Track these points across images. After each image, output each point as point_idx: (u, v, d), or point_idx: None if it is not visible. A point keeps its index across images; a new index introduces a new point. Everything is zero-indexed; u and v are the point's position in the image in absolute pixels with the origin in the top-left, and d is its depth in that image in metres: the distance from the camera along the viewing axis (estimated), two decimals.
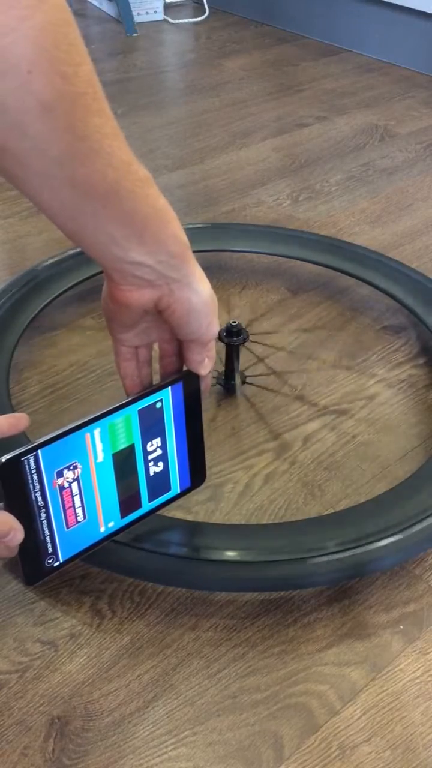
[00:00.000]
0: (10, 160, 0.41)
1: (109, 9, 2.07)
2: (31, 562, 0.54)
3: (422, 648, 0.61)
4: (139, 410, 0.56)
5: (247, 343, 0.82)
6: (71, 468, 0.53)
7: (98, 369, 0.88)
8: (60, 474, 0.52)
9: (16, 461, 0.49)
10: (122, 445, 0.56)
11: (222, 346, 0.81)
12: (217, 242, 1.03)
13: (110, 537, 0.59)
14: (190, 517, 0.71)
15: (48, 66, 0.38)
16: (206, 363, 0.57)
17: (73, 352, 0.91)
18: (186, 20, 2.06)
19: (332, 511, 0.71)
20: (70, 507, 0.54)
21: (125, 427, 0.56)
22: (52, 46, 0.38)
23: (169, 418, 0.59)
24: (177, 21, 2.05)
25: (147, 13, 2.04)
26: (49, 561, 0.55)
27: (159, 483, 0.61)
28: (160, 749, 0.55)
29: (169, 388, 0.58)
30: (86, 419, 0.53)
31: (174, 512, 0.69)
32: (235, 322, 0.80)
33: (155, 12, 2.05)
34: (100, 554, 0.61)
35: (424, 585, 0.66)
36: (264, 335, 0.93)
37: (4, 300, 0.89)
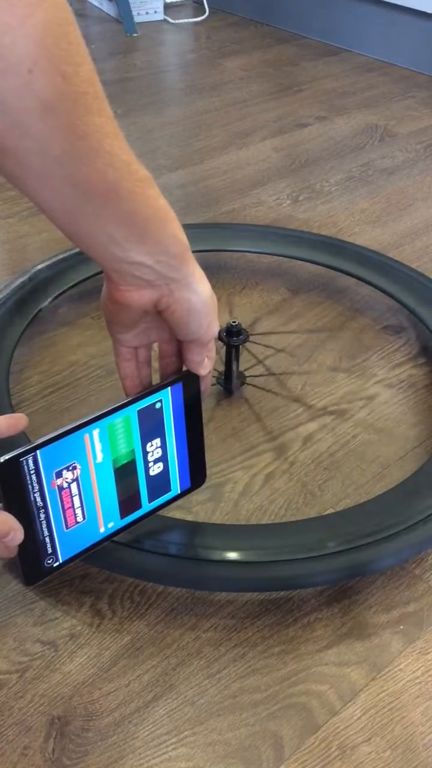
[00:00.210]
0: (10, 159, 0.41)
1: (109, 9, 2.07)
2: (31, 563, 0.54)
3: (422, 648, 0.61)
4: (138, 411, 0.56)
5: (247, 343, 0.82)
6: (70, 468, 0.53)
7: (98, 369, 0.88)
8: (59, 474, 0.52)
9: (15, 461, 0.49)
10: (121, 445, 0.56)
11: (222, 346, 0.81)
12: (217, 242, 1.03)
13: (110, 537, 0.59)
14: (190, 517, 0.71)
15: (49, 65, 0.38)
16: (206, 363, 0.57)
17: (73, 352, 0.91)
18: (186, 20, 2.06)
19: (332, 511, 0.71)
20: (69, 507, 0.54)
21: (125, 427, 0.56)
22: (53, 45, 0.38)
23: (169, 419, 0.59)
24: (177, 21, 2.05)
25: (147, 13, 2.04)
26: (49, 561, 0.55)
27: (159, 483, 0.61)
28: (161, 749, 0.55)
29: (169, 388, 0.58)
30: (85, 420, 0.53)
31: (174, 512, 0.69)
32: (235, 322, 0.80)
33: (155, 12, 2.05)
34: (100, 554, 0.61)
35: (424, 585, 0.66)
36: (264, 335, 0.93)
37: (4, 300, 0.89)
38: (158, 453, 0.59)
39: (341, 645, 0.61)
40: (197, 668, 0.60)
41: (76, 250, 0.95)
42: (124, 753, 0.54)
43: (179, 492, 0.63)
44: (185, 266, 0.50)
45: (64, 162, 0.41)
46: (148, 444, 0.58)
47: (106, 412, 0.54)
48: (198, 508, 0.72)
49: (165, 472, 0.61)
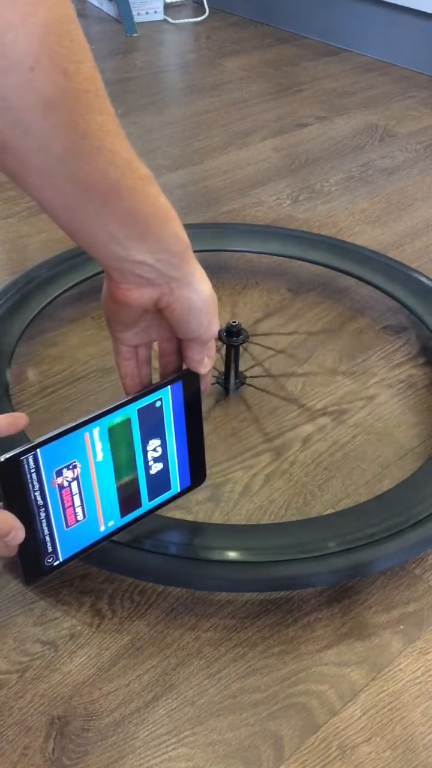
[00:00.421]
0: (11, 157, 0.41)
1: (109, 9, 2.07)
2: (31, 562, 0.54)
3: (422, 648, 0.61)
4: (138, 409, 0.56)
5: (247, 344, 0.82)
6: (70, 467, 0.53)
7: (98, 369, 0.88)
8: (59, 473, 0.52)
9: (16, 460, 0.49)
10: (122, 443, 0.56)
11: (222, 346, 0.81)
12: (217, 242, 1.03)
13: (110, 536, 0.59)
14: (190, 517, 0.71)
15: (50, 63, 0.38)
16: (206, 362, 0.57)
17: (73, 352, 0.91)
18: (186, 20, 2.06)
19: (332, 511, 0.71)
20: (69, 506, 0.54)
21: (125, 426, 0.56)
22: (55, 42, 0.38)
23: (169, 417, 0.59)
24: (177, 21, 2.05)
25: (147, 13, 2.04)
26: (49, 560, 0.55)
27: (159, 482, 0.61)
28: (161, 749, 0.55)
29: (169, 387, 0.58)
30: (85, 418, 0.53)
31: (174, 512, 0.69)
32: (235, 322, 0.79)
33: (155, 12, 2.05)
34: (100, 554, 0.61)
35: (424, 585, 0.65)
36: (264, 335, 0.93)
37: (4, 300, 0.89)
38: (158, 452, 0.59)
39: (341, 645, 0.61)
40: (197, 668, 0.60)
41: (75, 250, 0.96)
42: (124, 753, 0.54)
43: (179, 491, 0.63)
44: (186, 265, 0.50)
45: (65, 160, 0.41)
46: (148, 443, 0.58)
47: (106, 410, 0.54)
48: (198, 508, 0.72)
49: (165, 471, 0.61)
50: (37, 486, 0.51)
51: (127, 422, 0.56)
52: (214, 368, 0.83)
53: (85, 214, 0.45)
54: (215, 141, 1.42)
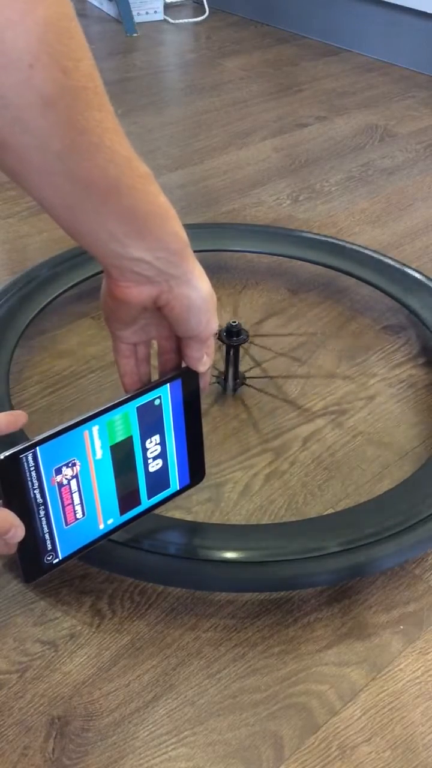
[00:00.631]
0: (10, 155, 0.41)
1: (109, 9, 2.07)
2: (30, 560, 0.54)
3: (422, 648, 0.61)
4: (137, 407, 0.56)
5: (247, 344, 0.82)
6: (70, 465, 0.53)
7: (98, 369, 0.88)
8: (59, 471, 0.52)
9: (15, 458, 0.49)
10: (121, 442, 0.56)
11: (222, 346, 0.81)
12: (217, 242, 1.03)
13: (109, 534, 0.59)
14: (189, 517, 0.70)
15: (49, 60, 0.38)
16: (205, 360, 0.57)
17: (73, 352, 0.91)
18: (186, 20, 2.06)
19: (332, 511, 0.71)
20: (69, 504, 0.54)
21: (124, 424, 0.56)
22: (54, 40, 0.38)
23: (168, 415, 0.59)
24: (177, 21, 2.05)
25: (147, 13, 2.04)
26: (48, 558, 0.55)
27: (158, 480, 0.61)
28: (161, 749, 0.54)
29: (168, 385, 0.58)
30: (84, 416, 0.53)
31: (174, 512, 0.69)
32: (235, 322, 0.79)
33: (155, 12, 2.05)
34: (100, 554, 0.61)
35: (424, 585, 0.65)
36: (264, 335, 0.93)
37: (5, 300, 0.89)
38: (157, 449, 0.59)
39: (341, 645, 0.61)
40: (197, 668, 0.59)
41: (74, 250, 0.96)
42: (124, 753, 0.54)
43: (178, 488, 0.63)
44: (185, 263, 0.50)
45: (64, 157, 0.41)
46: (148, 440, 0.58)
47: (106, 408, 0.54)
48: (198, 508, 0.72)
49: (164, 469, 0.61)
50: (36, 484, 0.51)
51: (127, 420, 0.56)
52: (214, 368, 0.83)
53: (84, 211, 0.45)
54: (215, 141, 1.42)
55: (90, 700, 0.57)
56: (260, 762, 0.54)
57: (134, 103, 1.58)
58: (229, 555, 0.62)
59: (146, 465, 0.59)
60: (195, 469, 0.64)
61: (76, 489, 0.54)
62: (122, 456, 0.57)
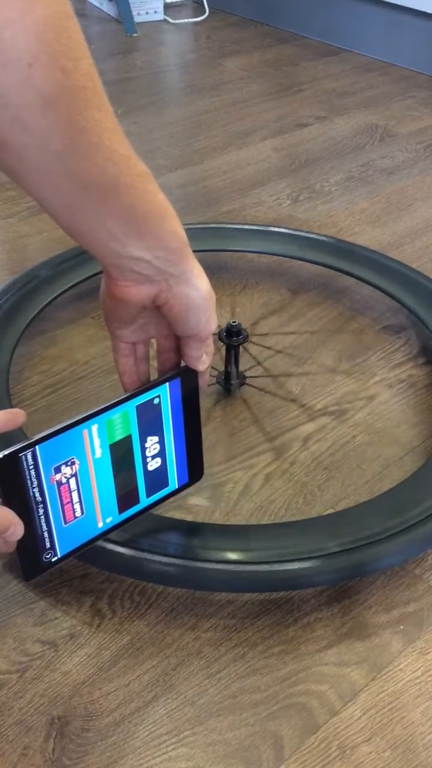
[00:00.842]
0: (9, 155, 0.41)
1: (109, 9, 2.07)
2: (29, 558, 0.54)
3: (422, 648, 0.61)
4: (137, 406, 0.56)
5: (246, 343, 0.82)
6: (69, 464, 0.53)
7: (98, 369, 0.88)
8: (58, 470, 0.52)
9: (14, 457, 0.49)
10: (120, 441, 0.56)
11: (222, 346, 0.81)
12: (217, 242, 1.03)
13: (108, 532, 0.59)
14: (189, 517, 0.70)
15: (49, 59, 0.38)
16: (204, 359, 0.57)
17: (73, 352, 0.91)
18: (186, 20, 2.06)
19: (332, 511, 0.71)
20: (68, 502, 0.54)
21: (123, 422, 0.56)
22: (52, 39, 0.38)
23: (167, 414, 0.59)
24: (177, 21, 2.05)
25: (147, 13, 2.04)
26: (47, 556, 0.55)
27: (157, 478, 0.61)
28: (160, 749, 0.54)
29: (167, 384, 0.58)
30: (84, 415, 0.53)
31: (173, 512, 0.69)
32: (234, 322, 0.79)
33: (155, 12, 2.05)
34: (100, 554, 0.61)
35: (424, 585, 0.65)
36: (264, 335, 0.93)
37: (5, 300, 0.89)
38: (156, 448, 0.59)
39: (341, 645, 0.61)
40: (197, 668, 0.59)
41: (74, 251, 0.96)
42: (124, 753, 0.54)
43: (177, 487, 0.63)
44: (184, 262, 0.50)
45: (63, 157, 0.41)
46: (147, 439, 0.58)
47: (105, 407, 0.54)
48: (198, 508, 0.71)
49: (163, 467, 0.61)
50: (35, 482, 0.51)
51: (126, 419, 0.56)
52: (214, 368, 0.83)
53: (83, 211, 0.45)
54: (215, 141, 1.42)
55: (90, 700, 0.57)
56: (260, 762, 0.54)
57: (134, 103, 1.58)
58: (229, 555, 0.62)
59: (145, 463, 0.59)
60: (194, 468, 0.64)
61: (75, 487, 0.54)
62: (121, 454, 0.57)
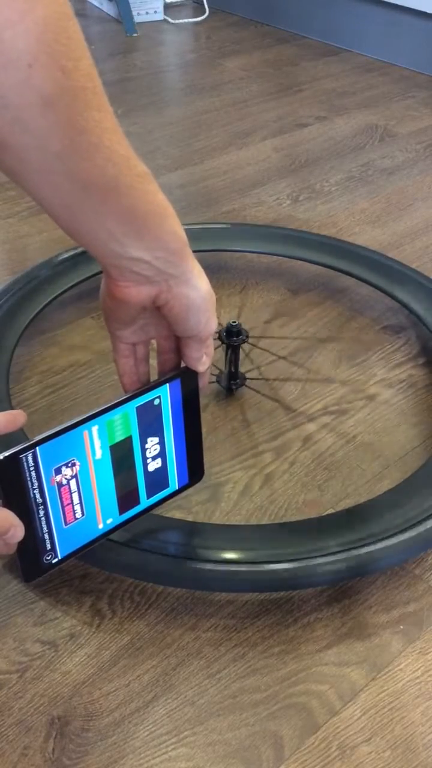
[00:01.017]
0: (9, 155, 0.41)
1: (109, 9, 2.07)
2: (30, 559, 0.54)
3: (422, 648, 0.61)
4: (137, 407, 0.56)
5: (246, 344, 0.82)
6: (69, 465, 0.53)
7: (98, 369, 0.88)
8: (58, 471, 0.52)
9: (15, 458, 0.49)
10: (120, 442, 0.56)
11: (222, 346, 0.81)
12: (217, 242, 1.03)
13: (109, 533, 0.59)
14: (189, 518, 0.70)
15: (48, 60, 0.38)
16: (204, 360, 0.57)
17: (73, 352, 0.91)
18: (186, 20, 2.06)
19: (332, 511, 0.71)
20: (68, 504, 0.54)
21: (123, 423, 0.56)
22: (52, 39, 0.38)
23: (167, 415, 0.59)
24: (177, 21, 2.05)
25: (147, 13, 2.04)
26: (48, 558, 0.55)
27: (157, 479, 0.61)
28: (160, 749, 0.54)
29: (167, 384, 0.58)
30: (84, 416, 0.53)
31: (174, 512, 0.69)
32: (234, 322, 0.79)
33: (155, 12, 2.05)
34: (100, 554, 0.61)
35: (424, 585, 0.65)
36: (264, 335, 0.93)
37: (4, 300, 0.89)
38: (157, 449, 0.59)
39: (341, 645, 0.61)
40: (197, 668, 0.59)
41: (73, 251, 0.96)
42: (124, 753, 0.54)
43: (177, 488, 0.63)
44: (184, 262, 0.50)
45: (63, 157, 0.41)
46: (147, 440, 0.58)
47: (105, 408, 0.54)
48: (198, 508, 0.72)
49: (163, 468, 0.61)
50: (36, 484, 0.51)
51: (126, 420, 0.56)
52: (214, 367, 0.83)
53: (83, 211, 0.45)
54: (215, 141, 1.42)
55: (90, 700, 0.57)
56: (260, 762, 0.54)
57: (134, 103, 1.58)
58: (230, 555, 0.62)
59: (145, 464, 0.59)
60: (194, 469, 0.64)
61: (76, 489, 0.54)
62: (121, 456, 0.57)
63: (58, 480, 0.53)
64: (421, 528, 0.64)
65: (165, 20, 2.05)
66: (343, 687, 0.58)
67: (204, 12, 2.07)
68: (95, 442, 0.54)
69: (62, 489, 0.53)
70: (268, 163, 1.34)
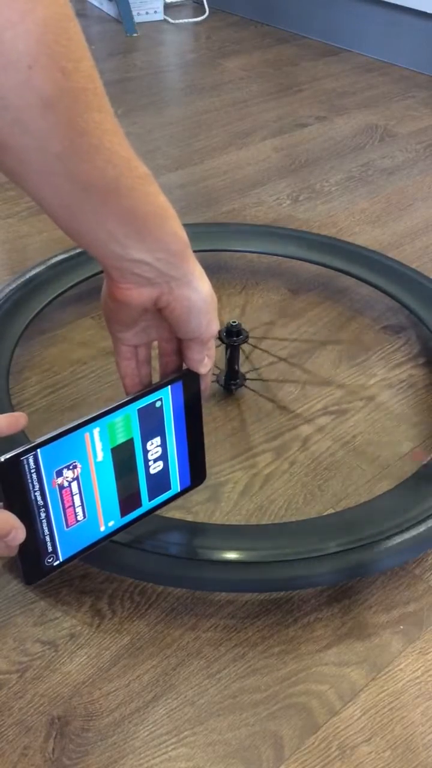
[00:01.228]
0: (10, 156, 0.41)
1: (109, 9, 2.07)
2: (31, 562, 0.54)
3: (422, 648, 0.61)
4: (138, 409, 0.56)
5: (246, 344, 0.82)
6: (71, 467, 0.53)
7: (98, 369, 0.88)
8: (59, 473, 0.52)
9: (16, 461, 0.49)
10: (122, 444, 0.56)
11: (222, 346, 0.81)
12: (217, 242, 1.03)
13: (110, 536, 0.59)
14: (190, 518, 0.71)
15: (49, 61, 0.38)
16: (206, 362, 0.57)
17: (73, 352, 0.91)
18: (186, 20, 2.06)
19: (332, 511, 0.71)
20: (69, 506, 0.54)
21: (125, 426, 0.56)
22: (53, 41, 0.38)
23: (169, 417, 0.59)
24: (177, 21, 2.05)
25: (147, 13, 2.04)
26: (49, 560, 0.55)
27: (159, 482, 0.61)
28: (160, 749, 0.54)
29: (169, 387, 0.58)
30: (85, 419, 0.53)
31: (174, 512, 0.69)
32: (235, 322, 0.79)
33: (155, 12, 2.04)
34: (100, 554, 0.61)
35: (424, 585, 0.65)
36: (264, 335, 0.93)
37: (4, 300, 0.89)
38: (158, 451, 0.59)
39: (341, 645, 0.61)
40: (197, 668, 0.59)
41: (73, 251, 0.96)
42: (124, 753, 0.54)
43: (179, 490, 0.63)
44: (185, 264, 0.50)
45: (64, 159, 0.41)
46: (149, 442, 0.58)
47: (107, 410, 0.54)
48: (198, 508, 0.72)
49: (165, 471, 0.61)
50: (37, 486, 0.51)
51: (128, 422, 0.56)
52: (215, 367, 0.83)
53: (83, 212, 0.45)
54: (215, 141, 1.42)
55: (90, 700, 0.57)
56: (260, 762, 0.54)
57: (134, 103, 1.58)
58: (229, 555, 0.62)
59: (147, 467, 0.59)
60: (196, 471, 0.64)
61: (77, 491, 0.54)
62: (123, 458, 0.57)
63: (59, 482, 0.53)
64: (421, 528, 0.64)
65: (165, 20, 2.05)
66: (343, 687, 0.58)
67: (204, 12, 2.07)
68: (96, 444, 0.54)
69: (63, 491, 0.53)
70: (268, 163, 1.34)
